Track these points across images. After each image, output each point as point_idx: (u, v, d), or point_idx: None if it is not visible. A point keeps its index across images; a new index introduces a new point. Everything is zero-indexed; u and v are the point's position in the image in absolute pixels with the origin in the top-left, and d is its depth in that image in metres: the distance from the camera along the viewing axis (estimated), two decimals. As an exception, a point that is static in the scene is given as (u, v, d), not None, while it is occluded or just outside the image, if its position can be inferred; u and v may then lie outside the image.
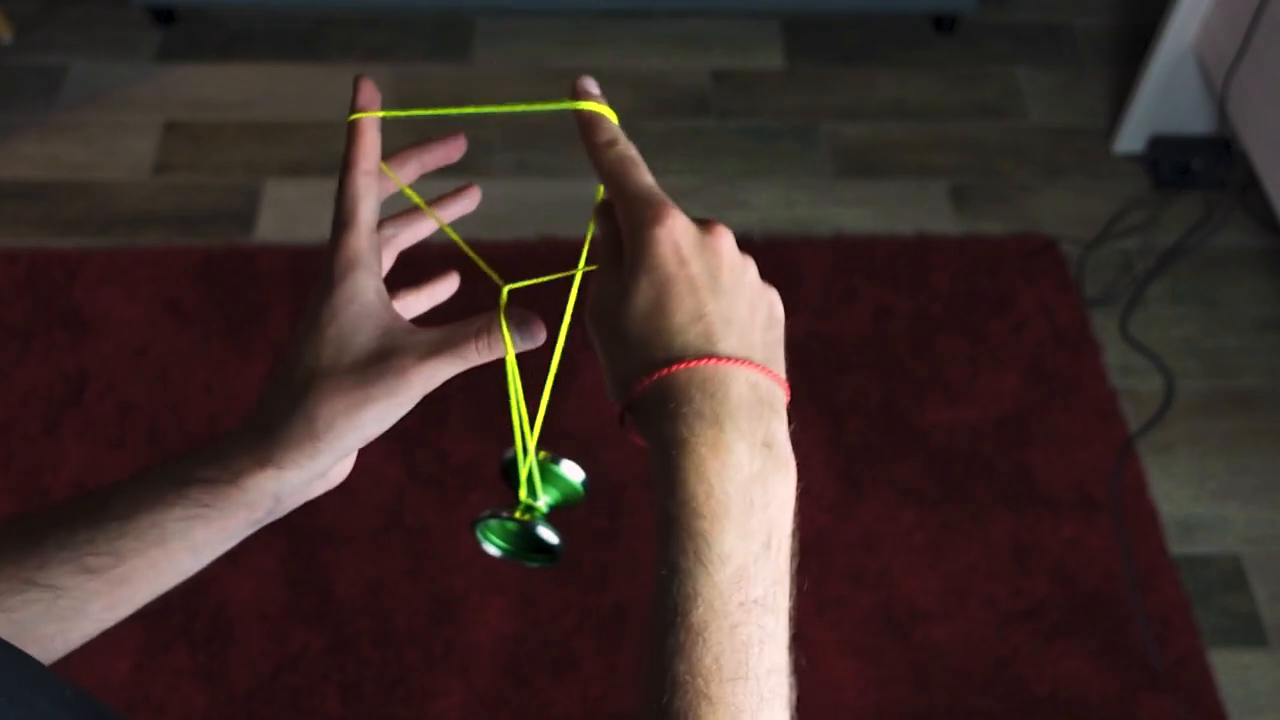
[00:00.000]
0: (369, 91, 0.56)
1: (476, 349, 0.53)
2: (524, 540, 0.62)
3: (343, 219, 0.53)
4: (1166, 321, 1.87)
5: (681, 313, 0.47)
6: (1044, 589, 1.57)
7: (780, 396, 0.48)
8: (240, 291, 1.81)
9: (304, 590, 1.53)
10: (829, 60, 2.23)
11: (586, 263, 0.58)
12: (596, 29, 2.24)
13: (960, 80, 2.20)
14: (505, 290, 0.58)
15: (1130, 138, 2.06)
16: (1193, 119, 2.03)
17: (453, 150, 0.60)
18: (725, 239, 0.50)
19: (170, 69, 2.15)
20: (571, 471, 0.63)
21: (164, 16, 2.20)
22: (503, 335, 0.53)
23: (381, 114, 0.56)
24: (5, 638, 0.46)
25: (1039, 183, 2.05)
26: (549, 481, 0.63)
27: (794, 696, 0.45)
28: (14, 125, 2.05)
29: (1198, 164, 2.00)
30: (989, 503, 1.64)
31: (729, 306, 0.48)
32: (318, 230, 1.90)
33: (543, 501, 0.62)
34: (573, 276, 0.61)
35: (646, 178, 0.52)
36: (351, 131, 0.55)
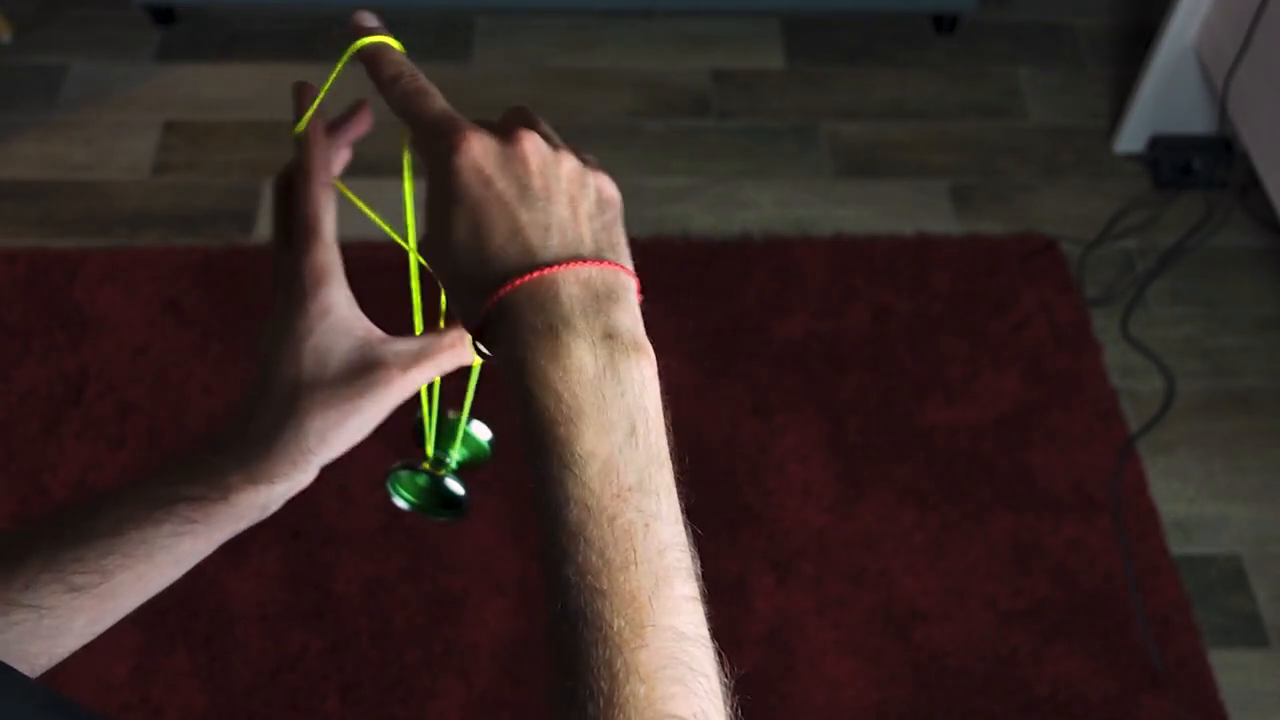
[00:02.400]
0: (309, 96, 0.57)
1: (450, 359, 0.55)
2: (433, 494, 0.64)
3: (308, 230, 0.53)
4: (1167, 321, 1.87)
5: (497, 234, 0.46)
6: (1044, 589, 1.57)
7: (622, 282, 0.47)
8: (240, 291, 1.81)
9: (303, 591, 1.53)
10: (829, 60, 2.22)
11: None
12: (596, 29, 2.24)
13: (960, 80, 2.20)
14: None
15: (1131, 137, 2.06)
16: (1193, 119, 2.03)
17: (362, 122, 0.61)
18: (528, 143, 0.48)
19: (170, 69, 2.15)
20: (480, 431, 0.65)
21: (164, 16, 2.19)
22: (470, 347, 0.54)
23: (308, 114, 0.57)
24: None
25: (1039, 183, 2.05)
26: (458, 440, 0.65)
27: (697, 567, 0.44)
28: (14, 125, 2.05)
29: (1198, 164, 2.00)
30: (989, 503, 1.64)
31: (545, 212, 0.47)
32: (318, 230, 1.89)
33: (452, 458, 0.64)
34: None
35: (437, 104, 0.51)
36: (305, 142, 0.56)
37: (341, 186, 0.58)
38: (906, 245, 1.92)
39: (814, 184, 2.02)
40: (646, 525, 0.43)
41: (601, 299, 0.46)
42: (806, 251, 1.90)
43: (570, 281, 0.46)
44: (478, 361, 0.58)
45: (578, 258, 0.46)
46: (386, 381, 0.53)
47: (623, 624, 0.41)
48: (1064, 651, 1.52)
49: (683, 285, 1.83)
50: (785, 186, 2.02)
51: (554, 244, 0.46)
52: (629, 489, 0.43)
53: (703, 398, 1.71)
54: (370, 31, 0.56)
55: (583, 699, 0.40)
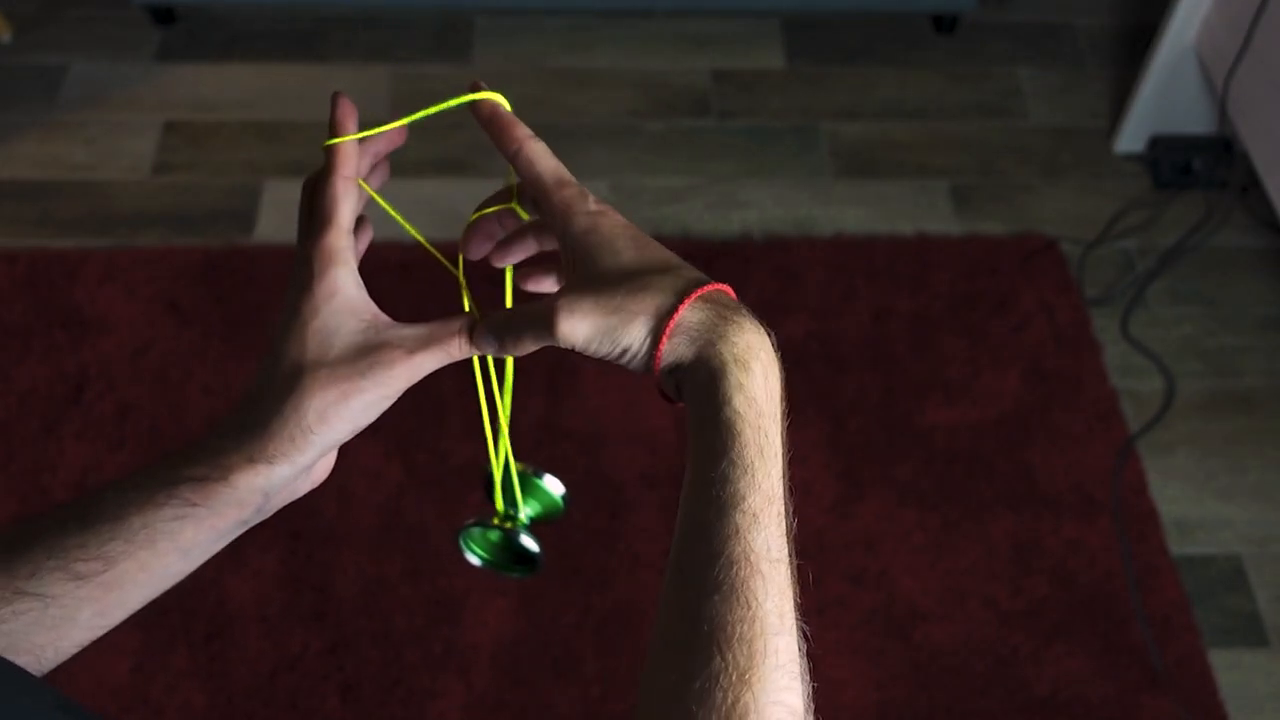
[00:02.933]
0: (347, 109, 0.58)
1: (460, 346, 0.54)
2: (505, 550, 0.64)
3: (323, 217, 0.54)
4: (1167, 321, 1.87)
5: (660, 253, 0.53)
6: (1044, 589, 1.57)
7: (729, 296, 0.53)
8: (240, 291, 1.81)
9: (303, 591, 1.53)
10: (829, 60, 2.22)
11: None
12: (596, 29, 2.24)
13: (960, 80, 2.20)
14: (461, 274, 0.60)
15: (1131, 137, 2.06)
16: (1193, 119, 2.03)
17: (396, 138, 0.62)
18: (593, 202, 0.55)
19: (170, 69, 2.15)
20: (553, 485, 0.65)
21: (164, 16, 2.19)
22: (484, 335, 0.55)
23: (358, 135, 0.57)
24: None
25: (1039, 183, 2.05)
26: (530, 494, 0.65)
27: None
28: (14, 125, 2.05)
29: (1198, 164, 2.00)
30: (989, 503, 1.64)
31: (662, 251, 0.54)
32: (318, 230, 1.89)
33: (524, 513, 0.64)
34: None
35: (554, 161, 0.56)
36: (334, 147, 0.56)
37: (364, 184, 0.58)
38: (906, 245, 1.92)
39: (814, 184, 2.02)
40: (790, 529, 0.51)
41: (730, 305, 0.52)
42: (806, 251, 1.90)
43: (723, 293, 0.53)
44: (478, 369, 0.60)
45: (705, 283, 0.53)
46: (390, 363, 0.52)
47: (771, 609, 0.48)
48: (1064, 651, 1.52)
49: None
50: (785, 186, 2.02)
51: (687, 270, 0.53)
52: (787, 489, 0.51)
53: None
54: (487, 90, 0.60)
55: (716, 668, 0.46)
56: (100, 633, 0.51)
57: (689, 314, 0.50)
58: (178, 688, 1.45)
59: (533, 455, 1.63)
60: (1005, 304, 1.85)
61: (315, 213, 0.54)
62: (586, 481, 1.61)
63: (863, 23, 2.29)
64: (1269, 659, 1.54)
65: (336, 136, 0.56)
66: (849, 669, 1.50)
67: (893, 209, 1.99)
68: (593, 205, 0.53)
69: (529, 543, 0.61)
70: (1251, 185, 1.98)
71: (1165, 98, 1.99)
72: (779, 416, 0.50)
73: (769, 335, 0.51)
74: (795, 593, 0.49)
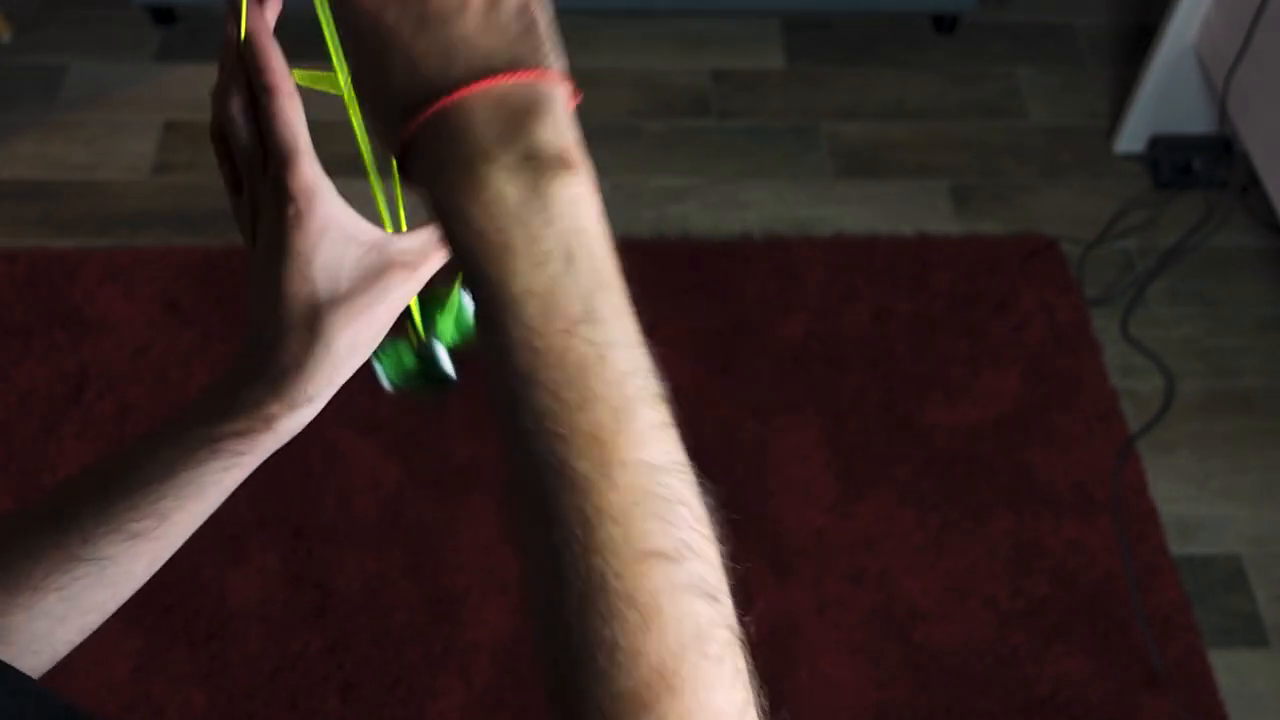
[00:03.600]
0: None
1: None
2: (420, 373, 0.61)
3: (288, 148, 0.50)
4: (1167, 321, 1.87)
5: (396, 72, 0.41)
6: (1044, 589, 1.57)
7: (543, 92, 0.42)
8: (240, 291, 1.81)
9: (304, 589, 1.53)
10: (829, 60, 2.22)
11: None
12: (596, 29, 2.24)
13: (960, 80, 2.20)
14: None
15: (1131, 137, 2.06)
16: (1193, 119, 2.03)
17: None
18: None
19: (170, 69, 2.15)
20: (470, 302, 0.59)
21: (164, 16, 2.19)
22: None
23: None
24: (61, 614, 0.49)
25: (1039, 183, 2.05)
26: (449, 313, 0.60)
27: (665, 387, 0.41)
28: (14, 125, 2.05)
29: (1198, 164, 2.00)
30: (989, 503, 1.64)
31: (442, 33, 0.41)
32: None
33: (442, 334, 0.60)
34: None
35: None
36: (256, 52, 0.52)
37: (301, 76, 0.54)
38: (906, 245, 1.92)
39: (814, 184, 2.02)
40: (601, 357, 0.39)
41: (521, 115, 0.41)
42: (806, 251, 1.90)
43: (481, 104, 0.40)
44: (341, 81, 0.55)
45: (488, 73, 0.41)
46: (401, 281, 0.52)
47: (588, 466, 0.38)
48: (1064, 651, 1.52)
49: (683, 285, 1.83)
50: (785, 186, 2.02)
51: (459, 66, 0.41)
52: (576, 321, 0.39)
53: (703, 398, 1.71)
54: None
55: (557, 547, 0.38)
56: (151, 574, 0.54)
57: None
58: (178, 687, 1.45)
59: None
60: (1005, 304, 1.85)
61: (276, 145, 0.51)
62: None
63: (863, 23, 2.29)
64: (1269, 659, 1.54)
65: (244, 32, 0.51)
66: (849, 669, 1.50)
67: (893, 209, 1.99)
68: None
69: (445, 362, 0.58)
70: (1251, 185, 1.98)
71: (1165, 98, 1.99)
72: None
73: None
74: (644, 411, 0.39)
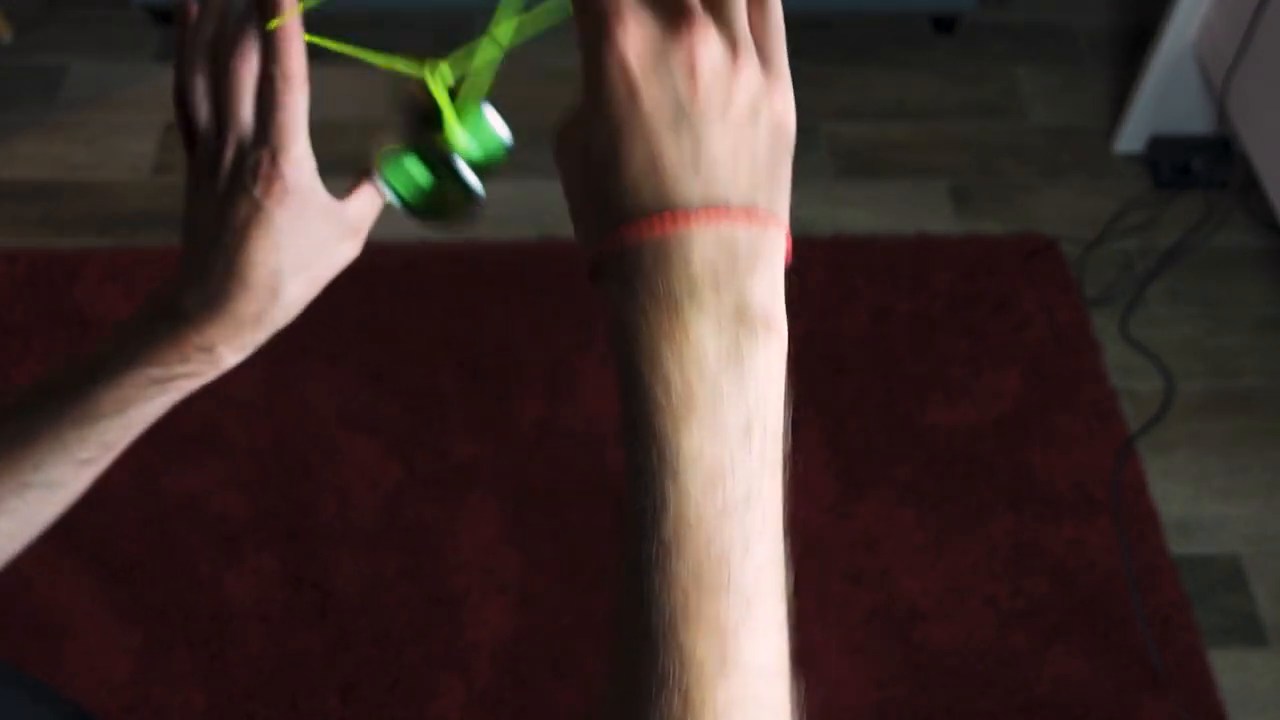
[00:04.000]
0: None
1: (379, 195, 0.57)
2: (435, 191, 0.52)
3: (289, 131, 0.51)
4: (1166, 321, 1.87)
5: (633, 163, 0.39)
6: (1044, 589, 1.57)
7: (768, 242, 0.39)
8: (240, 291, 1.81)
9: (303, 590, 1.53)
10: (829, 60, 2.22)
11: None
12: (596, 29, 2.24)
13: (960, 80, 2.20)
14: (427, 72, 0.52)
15: (1130, 138, 2.06)
16: (1193, 119, 2.03)
17: None
18: (701, 46, 0.39)
19: (170, 69, 2.14)
20: (496, 122, 0.53)
21: (164, 16, 2.19)
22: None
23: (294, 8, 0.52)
24: (10, 531, 0.53)
25: (1039, 183, 2.05)
26: (470, 127, 0.52)
27: (790, 577, 0.40)
28: (14, 125, 2.05)
29: (1198, 164, 2.00)
30: (989, 503, 1.64)
31: (695, 142, 0.38)
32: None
33: (461, 147, 0.51)
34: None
35: None
36: (283, 36, 0.51)
37: (312, 39, 0.53)
38: (906, 245, 1.92)
39: (814, 184, 2.03)
40: (747, 543, 0.38)
41: (739, 264, 0.38)
42: (806, 251, 1.90)
43: (706, 240, 0.38)
44: (506, 31, 0.51)
45: (723, 207, 0.38)
46: (352, 246, 0.56)
47: (705, 654, 0.37)
48: (1064, 651, 1.52)
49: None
50: (785, 186, 2.01)
51: (698, 187, 0.38)
52: (735, 503, 0.38)
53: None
54: None
55: (654, 697, 0.37)
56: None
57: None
58: (178, 687, 1.45)
59: (533, 455, 1.63)
60: (1005, 304, 1.85)
61: (278, 125, 0.51)
62: (587, 481, 1.61)
63: (863, 23, 2.29)
64: (1269, 659, 1.54)
65: (275, 16, 0.50)
66: (849, 669, 1.50)
67: (893, 209, 1.99)
68: (607, 44, 0.39)
69: (469, 175, 0.49)
70: (1251, 185, 1.98)
71: (1165, 98, 1.99)
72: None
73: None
74: (768, 607, 0.39)
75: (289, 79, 0.51)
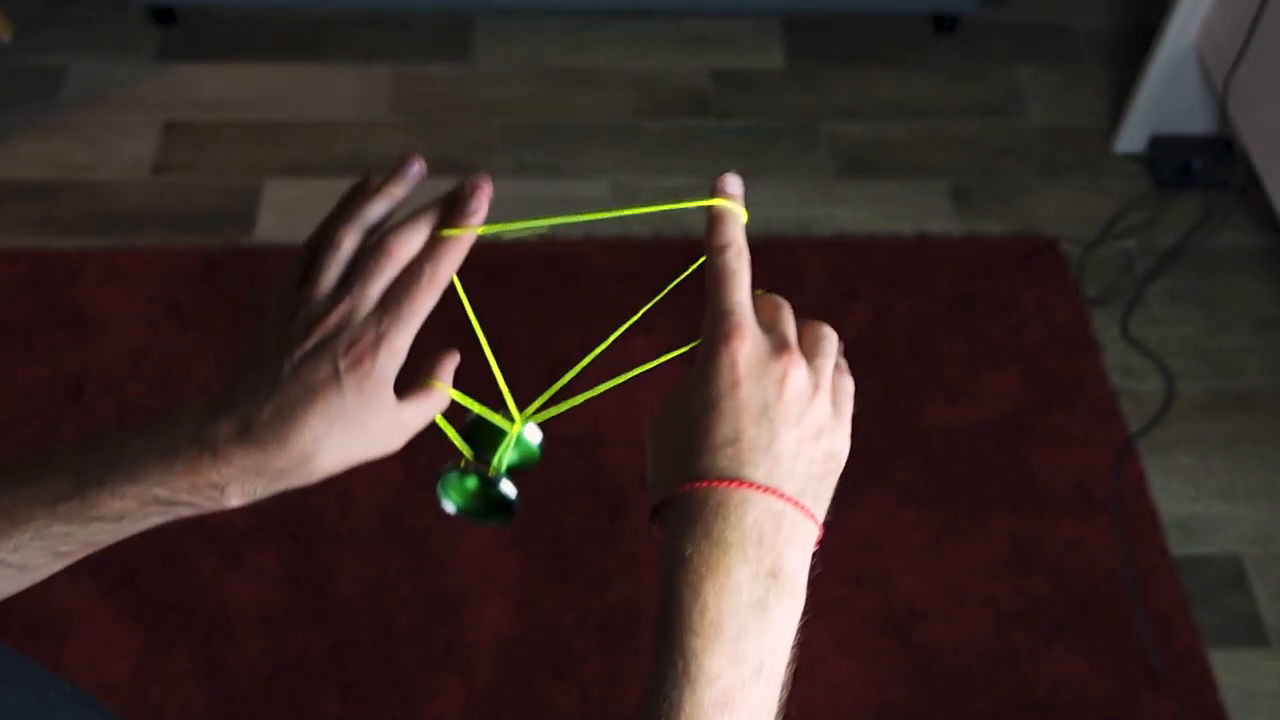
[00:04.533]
0: (486, 196, 0.55)
1: (440, 405, 0.58)
2: (482, 498, 0.63)
3: (405, 321, 0.52)
4: (1167, 321, 1.87)
5: (719, 433, 0.49)
6: (1044, 589, 1.57)
7: (807, 532, 0.50)
8: (240, 291, 1.81)
9: (304, 591, 1.53)
10: (829, 60, 2.22)
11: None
12: (596, 29, 2.24)
13: (960, 80, 2.20)
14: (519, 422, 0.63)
15: (1131, 137, 2.06)
16: (1193, 119, 2.03)
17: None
18: (794, 371, 0.51)
19: (170, 69, 2.15)
20: (531, 433, 0.64)
21: (164, 16, 2.19)
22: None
23: (480, 230, 0.54)
24: None
25: (1039, 183, 2.05)
26: (508, 442, 0.64)
27: None
28: (14, 125, 2.05)
29: (1198, 164, 2.00)
30: (989, 503, 1.64)
31: (770, 436, 0.49)
32: (318, 230, 1.89)
33: (502, 460, 0.63)
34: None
35: (740, 294, 0.54)
36: (449, 248, 0.53)
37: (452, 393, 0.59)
38: (906, 245, 1.92)
39: (814, 184, 2.03)
40: None
41: (781, 537, 0.48)
42: (806, 251, 1.90)
43: (760, 507, 0.48)
44: (519, 423, 0.62)
45: (777, 490, 0.48)
46: (394, 447, 0.56)
47: None
48: (1064, 651, 1.52)
49: (683, 285, 1.83)
50: (785, 186, 2.02)
51: (764, 468, 0.49)
52: None
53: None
54: (729, 197, 0.60)
55: None
56: None
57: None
58: (178, 687, 1.45)
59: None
60: (1005, 304, 1.85)
61: (397, 311, 0.52)
62: (585, 483, 1.61)
63: (863, 23, 2.29)
64: (1269, 659, 1.54)
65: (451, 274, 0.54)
66: (849, 669, 1.50)
67: (893, 209, 1.99)
68: (727, 346, 0.51)
69: (508, 489, 0.61)
70: (1251, 185, 1.98)
71: (1165, 98, 1.99)
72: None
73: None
74: None
75: (435, 281, 0.53)
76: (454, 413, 0.59)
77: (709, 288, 0.55)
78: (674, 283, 0.59)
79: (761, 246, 1.94)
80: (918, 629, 1.53)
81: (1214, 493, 1.68)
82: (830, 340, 0.54)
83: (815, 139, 2.09)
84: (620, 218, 1.94)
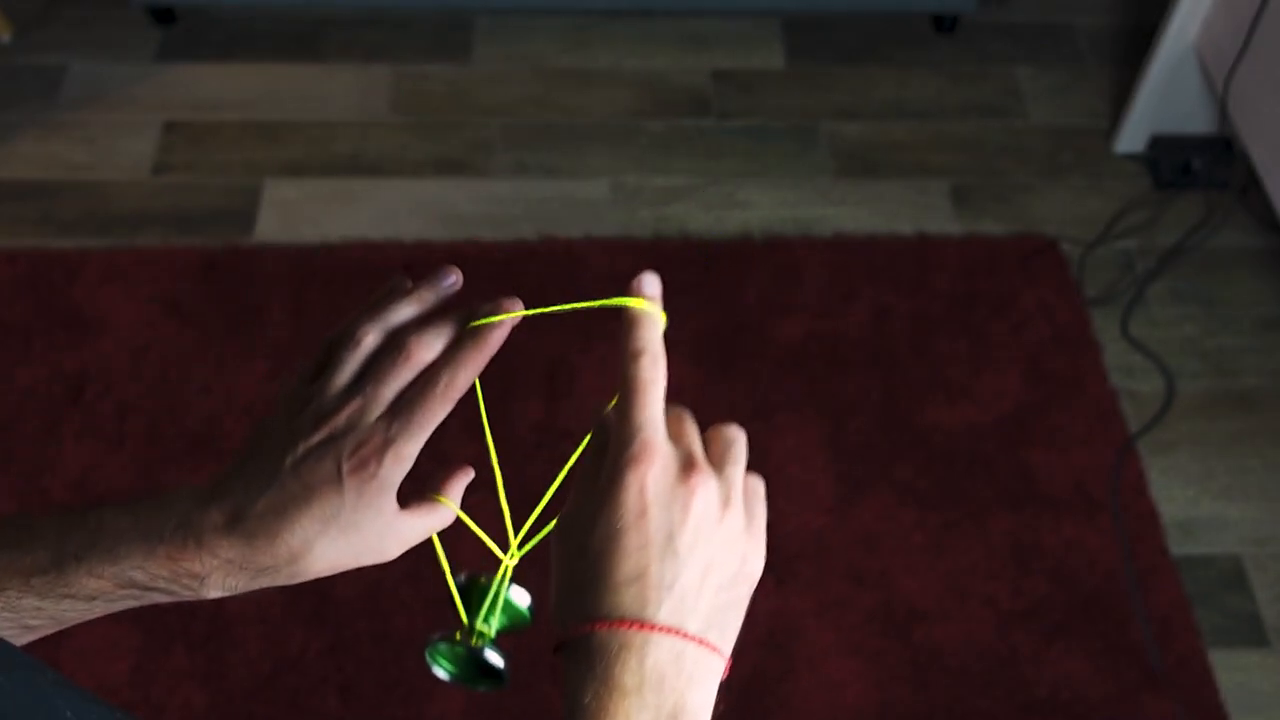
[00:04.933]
0: (518, 309, 0.54)
1: (444, 522, 0.58)
2: (472, 664, 0.63)
3: (415, 431, 0.51)
4: (1167, 321, 1.87)
5: (623, 569, 0.47)
6: (1044, 589, 1.57)
7: (711, 666, 0.48)
8: (240, 291, 1.81)
9: (303, 592, 1.53)
10: (829, 60, 2.22)
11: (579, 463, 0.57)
12: (596, 29, 2.24)
13: (960, 80, 2.20)
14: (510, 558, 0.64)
15: (1131, 137, 2.06)
16: (1193, 118, 2.03)
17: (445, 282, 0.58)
18: (701, 492, 0.49)
19: (170, 69, 2.15)
20: (519, 597, 0.64)
21: (164, 16, 2.19)
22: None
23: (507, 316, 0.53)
24: None
25: (1039, 183, 2.05)
26: (495, 605, 0.64)
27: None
28: (14, 125, 2.05)
29: (1198, 164, 2.00)
30: (989, 503, 1.64)
31: (675, 570, 0.47)
32: (318, 230, 1.89)
33: (491, 626, 0.63)
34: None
35: (652, 408, 0.51)
36: (469, 354, 0.52)
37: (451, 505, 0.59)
38: (906, 245, 1.92)
39: (814, 184, 2.02)
40: None
41: (683, 678, 0.47)
42: (806, 251, 1.90)
43: (663, 649, 0.47)
44: (514, 556, 0.62)
45: (680, 630, 0.47)
46: (388, 556, 0.54)
47: None
48: (1064, 651, 1.52)
49: (683, 285, 1.83)
50: (785, 186, 2.02)
51: (668, 605, 0.47)
52: None
53: (703, 398, 1.71)
54: (649, 299, 0.55)
55: None
56: None
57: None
58: (178, 688, 1.45)
59: (532, 456, 1.63)
60: (1005, 304, 1.85)
61: (409, 423, 0.51)
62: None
63: (863, 23, 2.29)
64: (1269, 659, 1.54)
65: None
66: (849, 669, 1.50)
67: (893, 209, 1.99)
68: (634, 469, 0.48)
69: (494, 659, 0.60)
70: (1251, 185, 1.98)
71: (1165, 98, 1.99)
72: None
73: None
74: None
75: (451, 390, 0.52)
76: (453, 534, 0.60)
77: (620, 396, 0.51)
78: (571, 306, 0.56)
79: (761, 246, 1.96)
80: (918, 629, 1.53)
81: (1214, 493, 1.68)
82: (739, 445, 0.52)
83: (815, 139, 2.09)
84: (622, 221, 1.94)
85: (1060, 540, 1.61)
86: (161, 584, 0.50)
